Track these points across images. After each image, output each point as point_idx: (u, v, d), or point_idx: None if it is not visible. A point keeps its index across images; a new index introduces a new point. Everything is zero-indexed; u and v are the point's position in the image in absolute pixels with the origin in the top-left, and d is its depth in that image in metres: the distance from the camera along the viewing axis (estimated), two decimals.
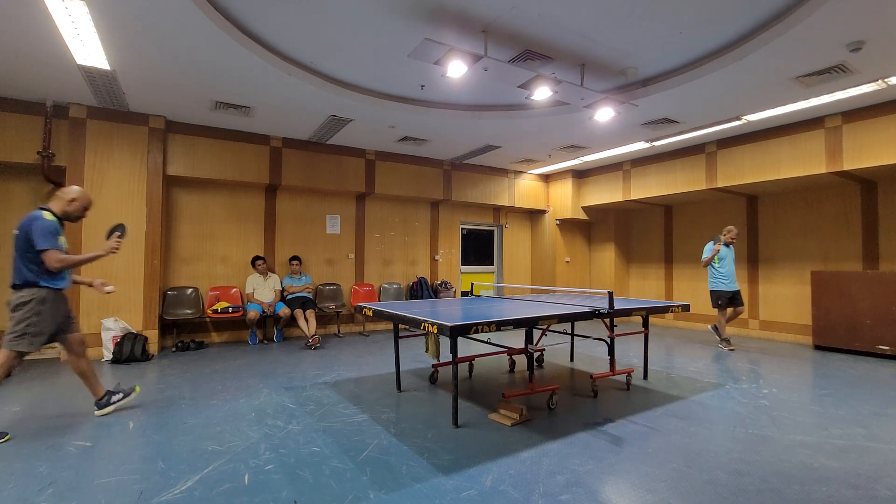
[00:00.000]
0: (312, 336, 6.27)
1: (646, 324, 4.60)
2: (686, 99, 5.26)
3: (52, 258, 3.08)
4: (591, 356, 5.75)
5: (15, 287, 3.12)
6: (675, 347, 6.42)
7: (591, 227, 10.29)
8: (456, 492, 2.35)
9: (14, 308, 3.09)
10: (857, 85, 4.85)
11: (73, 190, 3.32)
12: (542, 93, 4.53)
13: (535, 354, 4.79)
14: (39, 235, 3.06)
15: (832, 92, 5.03)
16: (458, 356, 3.36)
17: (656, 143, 7.07)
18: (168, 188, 6.45)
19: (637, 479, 2.51)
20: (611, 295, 3.93)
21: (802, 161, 6.02)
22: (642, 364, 4.77)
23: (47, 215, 3.17)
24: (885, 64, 4.39)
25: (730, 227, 6.46)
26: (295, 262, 6.97)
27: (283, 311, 6.49)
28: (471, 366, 4.94)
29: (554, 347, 6.19)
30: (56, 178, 5.62)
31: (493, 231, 9.97)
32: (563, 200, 9.45)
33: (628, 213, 9.88)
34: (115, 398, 3.52)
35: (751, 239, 7.64)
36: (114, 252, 3.35)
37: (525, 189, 9.50)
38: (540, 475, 2.53)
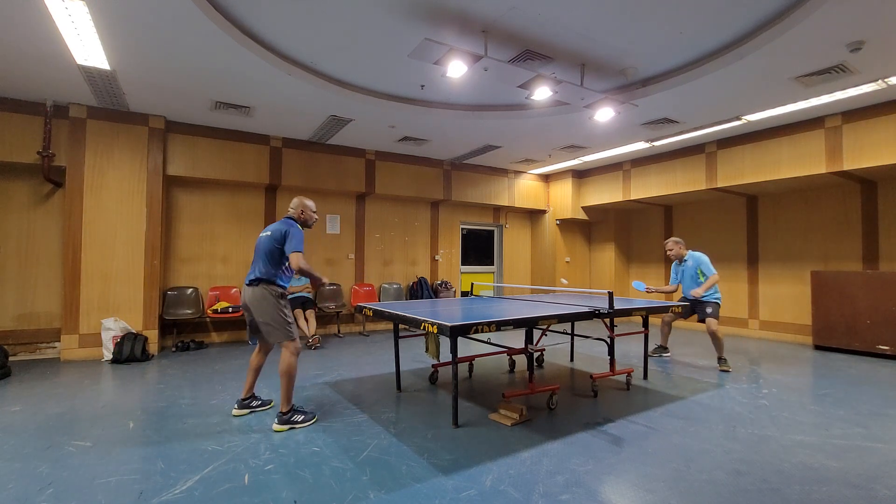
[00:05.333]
0: (312, 336, 6.27)
1: (646, 324, 4.60)
2: (686, 99, 5.26)
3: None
4: (591, 356, 5.75)
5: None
6: (676, 347, 6.41)
7: (591, 227, 10.29)
8: (456, 492, 2.35)
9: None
10: (857, 85, 4.85)
11: (294, 203, 3.61)
12: (542, 93, 4.53)
13: (535, 354, 4.79)
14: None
15: (832, 92, 5.03)
16: (458, 356, 3.36)
17: (656, 143, 7.07)
18: (168, 188, 6.45)
19: (637, 479, 2.51)
20: (611, 295, 3.93)
21: (802, 161, 6.02)
22: (642, 364, 4.77)
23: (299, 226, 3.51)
24: (885, 64, 4.39)
25: (666, 241, 5.69)
26: None
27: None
28: (471, 366, 4.94)
29: (554, 347, 6.19)
30: (56, 178, 5.62)
31: (493, 231, 9.97)
32: (563, 200, 9.45)
33: (628, 213, 9.88)
34: (297, 418, 3.30)
35: (751, 239, 7.64)
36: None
37: (525, 189, 9.50)
38: (540, 475, 2.53)
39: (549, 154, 7.97)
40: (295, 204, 3.57)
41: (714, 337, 5.13)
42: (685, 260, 5.52)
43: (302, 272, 3.28)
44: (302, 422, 3.26)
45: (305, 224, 3.58)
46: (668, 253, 5.58)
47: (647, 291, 5.46)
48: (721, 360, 5.12)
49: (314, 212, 3.64)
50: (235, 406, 3.53)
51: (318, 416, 3.42)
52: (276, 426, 3.19)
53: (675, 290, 5.66)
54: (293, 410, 3.29)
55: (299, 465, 2.64)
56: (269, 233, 3.40)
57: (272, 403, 3.69)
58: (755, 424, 3.36)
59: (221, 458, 2.73)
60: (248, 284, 3.37)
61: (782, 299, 7.22)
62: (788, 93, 5.09)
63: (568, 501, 2.26)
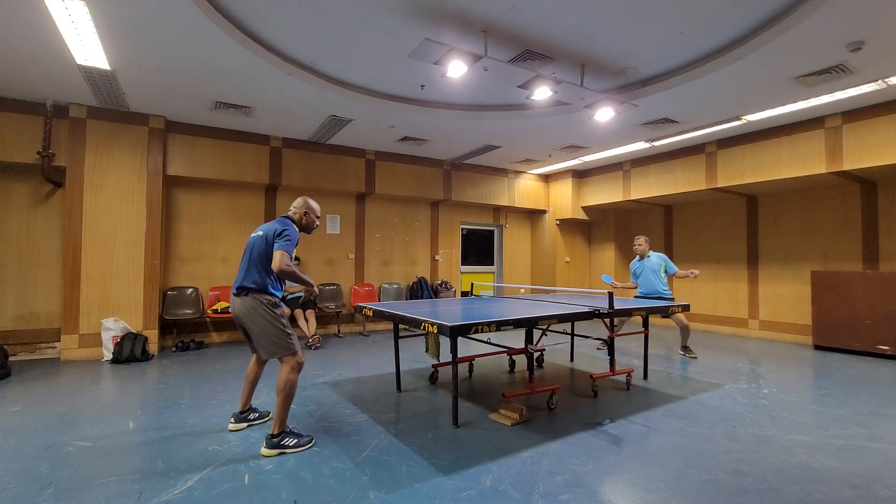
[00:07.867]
0: (312, 336, 6.27)
1: (646, 324, 4.60)
2: (686, 99, 5.25)
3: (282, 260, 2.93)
4: (591, 356, 5.74)
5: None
6: (675, 347, 6.41)
7: (591, 227, 10.29)
8: (456, 492, 2.34)
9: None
10: (857, 85, 4.84)
11: (297, 203, 3.25)
12: (542, 93, 4.53)
13: (535, 354, 4.79)
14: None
15: (832, 92, 5.03)
16: (458, 356, 3.36)
17: (656, 143, 7.06)
18: (168, 188, 6.44)
19: (637, 479, 2.51)
20: (611, 295, 3.93)
21: (802, 161, 6.02)
22: (642, 364, 4.77)
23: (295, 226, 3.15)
24: (885, 64, 4.39)
25: (637, 237, 6.02)
26: (294, 262, 6.96)
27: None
28: (471, 366, 4.94)
29: (554, 347, 6.19)
30: (56, 178, 5.62)
31: (493, 231, 9.97)
32: (563, 200, 9.44)
33: (628, 213, 9.88)
34: (288, 441, 2.87)
35: (751, 239, 7.64)
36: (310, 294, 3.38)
37: (525, 189, 9.49)
38: (540, 475, 2.53)
39: (549, 154, 7.97)
40: (298, 204, 3.22)
41: (681, 323, 5.72)
42: (648, 257, 5.86)
43: (284, 274, 2.88)
44: (294, 446, 2.84)
45: (305, 229, 3.23)
46: (637, 248, 5.91)
47: (613, 286, 5.69)
48: (686, 348, 5.76)
49: (318, 216, 3.29)
50: (232, 420, 3.25)
51: (314, 440, 2.98)
52: (264, 450, 2.79)
53: (634, 287, 6.01)
54: (285, 433, 2.86)
55: (299, 465, 2.64)
56: (261, 233, 3.03)
57: (270, 415, 3.37)
58: (755, 424, 3.35)
59: (221, 458, 2.73)
60: (235, 294, 3.00)
61: (782, 299, 7.22)
62: (788, 93, 5.08)
63: (568, 501, 2.26)
